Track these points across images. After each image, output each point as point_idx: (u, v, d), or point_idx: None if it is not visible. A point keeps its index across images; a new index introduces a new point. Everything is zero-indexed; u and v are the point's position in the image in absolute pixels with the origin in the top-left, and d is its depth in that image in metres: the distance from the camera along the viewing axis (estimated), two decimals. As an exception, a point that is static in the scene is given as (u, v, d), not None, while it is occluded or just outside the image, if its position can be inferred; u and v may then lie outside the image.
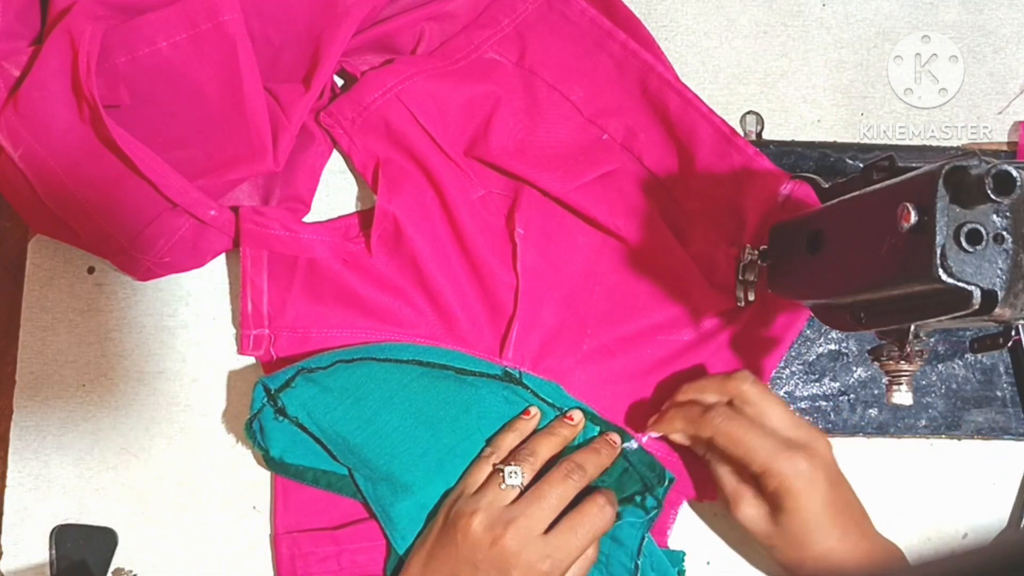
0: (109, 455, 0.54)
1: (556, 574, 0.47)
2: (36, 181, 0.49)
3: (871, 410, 0.57)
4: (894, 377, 0.45)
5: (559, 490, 0.49)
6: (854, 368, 0.57)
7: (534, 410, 0.53)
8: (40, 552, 0.53)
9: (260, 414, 0.50)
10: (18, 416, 0.54)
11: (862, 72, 0.60)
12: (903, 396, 0.45)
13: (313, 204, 0.56)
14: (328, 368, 0.51)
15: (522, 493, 0.49)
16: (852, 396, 0.57)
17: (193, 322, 0.56)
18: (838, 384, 0.57)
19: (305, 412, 0.50)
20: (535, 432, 0.53)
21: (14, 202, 0.51)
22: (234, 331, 0.56)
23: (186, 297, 0.56)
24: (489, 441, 0.52)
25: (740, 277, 0.53)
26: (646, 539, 0.51)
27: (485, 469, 0.51)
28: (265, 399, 0.50)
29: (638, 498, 0.51)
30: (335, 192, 0.57)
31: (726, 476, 0.51)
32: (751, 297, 0.53)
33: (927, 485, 0.56)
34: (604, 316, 0.56)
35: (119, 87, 0.49)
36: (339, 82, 0.58)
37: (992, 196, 0.35)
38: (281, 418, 0.50)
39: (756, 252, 0.52)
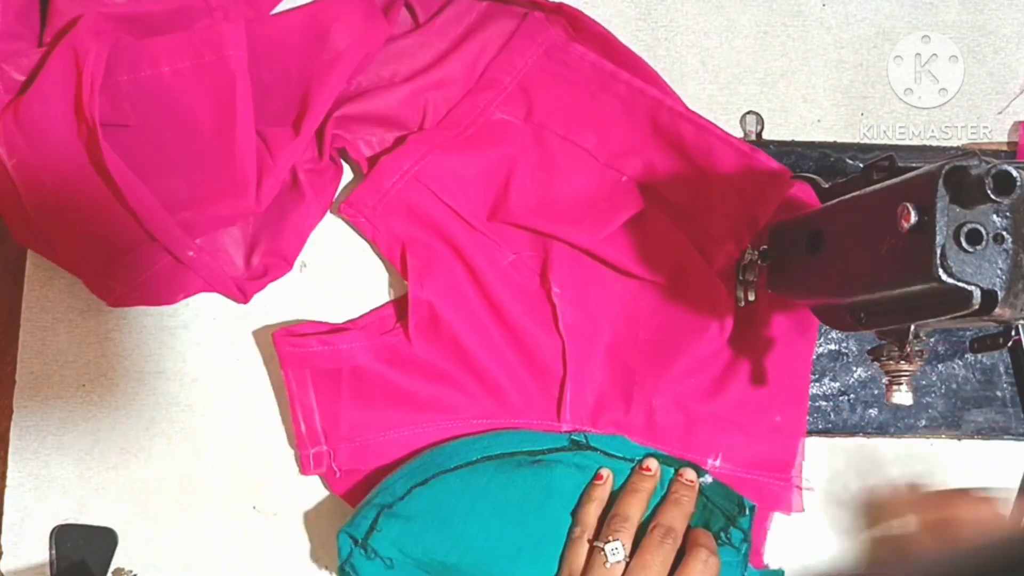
0: (109, 455, 0.54)
1: None
2: (24, 191, 0.49)
3: (871, 410, 0.57)
4: (894, 377, 0.45)
5: (660, 556, 0.49)
6: (854, 368, 0.57)
7: (605, 472, 0.53)
8: (40, 552, 0.53)
9: (351, 558, 0.49)
10: (18, 416, 0.54)
11: (862, 72, 0.60)
12: (903, 396, 0.45)
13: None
14: (405, 497, 0.50)
15: (627, 566, 0.49)
16: (852, 396, 0.57)
17: (193, 322, 0.56)
18: (838, 384, 0.57)
19: (396, 549, 0.49)
20: (614, 492, 0.53)
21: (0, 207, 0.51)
22: (234, 332, 0.56)
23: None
24: (574, 517, 0.52)
25: (740, 277, 0.53)
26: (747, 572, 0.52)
27: (581, 549, 0.50)
28: (353, 546, 0.49)
29: (723, 534, 0.51)
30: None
31: None
32: (751, 297, 0.53)
33: (927, 485, 0.56)
34: (651, 358, 0.55)
35: (124, 105, 0.50)
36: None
37: (992, 196, 0.35)
38: (373, 556, 0.50)
39: (756, 252, 0.52)
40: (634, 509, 0.51)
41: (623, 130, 0.56)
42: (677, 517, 0.51)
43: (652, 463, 0.53)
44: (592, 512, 0.52)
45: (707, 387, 0.56)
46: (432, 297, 0.53)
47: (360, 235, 0.57)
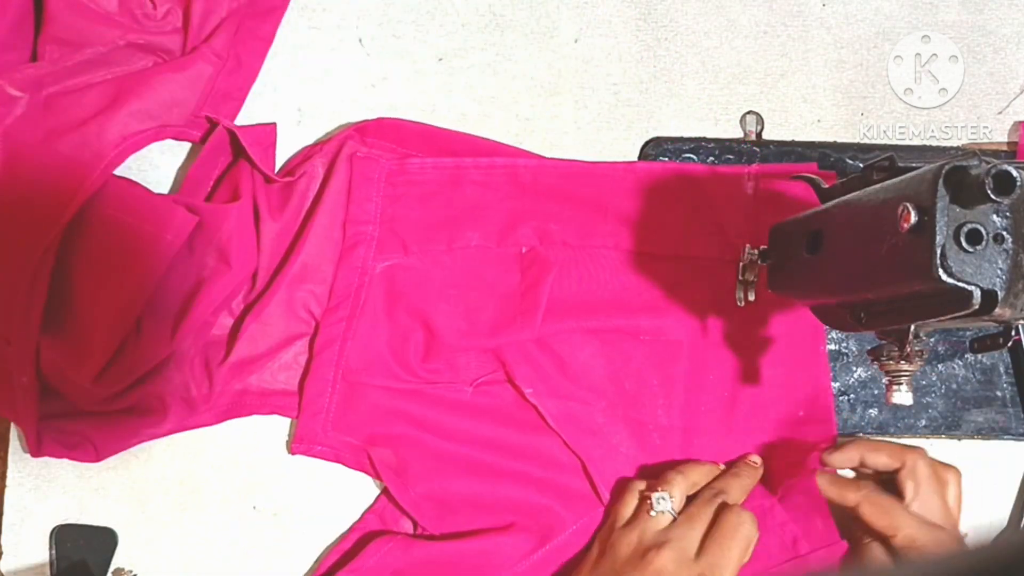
0: (109, 455, 0.54)
1: None
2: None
3: (871, 410, 0.57)
4: (894, 377, 0.45)
5: (707, 510, 0.49)
6: (854, 368, 0.57)
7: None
8: (40, 552, 0.53)
9: None
10: (18, 416, 0.54)
11: (862, 72, 0.60)
12: (903, 396, 0.45)
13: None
14: None
15: (674, 519, 0.49)
16: (852, 396, 0.57)
17: (193, 322, 0.56)
18: (838, 384, 0.57)
19: None
20: None
21: None
22: (234, 331, 0.56)
23: (186, 297, 0.56)
24: (617, 483, 0.53)
25: (740, 277, 0.53)
26: None
27: (630, 498, 0.51)
28: None
29: None
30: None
31: (873, 549, 0.51)
32: (751, 297, 0.53)
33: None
34: (649, 400, 0.55)
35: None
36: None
37: (992, 196, 0.35)
38: None
39: (756, 252, 0.52)
40: (695, 472, 0.52)
41: (494, 210, 0.56)
42: (733, 484, 0.51)
43: (720, 465, 0.54)
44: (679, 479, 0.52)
45: (722, 402, 0.55)
46: (421, 489, 0.52)
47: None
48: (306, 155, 0.57)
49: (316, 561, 0.54)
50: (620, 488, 0.52)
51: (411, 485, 0.52)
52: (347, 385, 0.54)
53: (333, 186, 0.55)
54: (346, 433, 0.54)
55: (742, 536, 0.48)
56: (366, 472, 0.54)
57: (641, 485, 0.51)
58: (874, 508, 0.50)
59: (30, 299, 0.49)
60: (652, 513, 0.49)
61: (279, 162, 0.57)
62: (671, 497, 0.50)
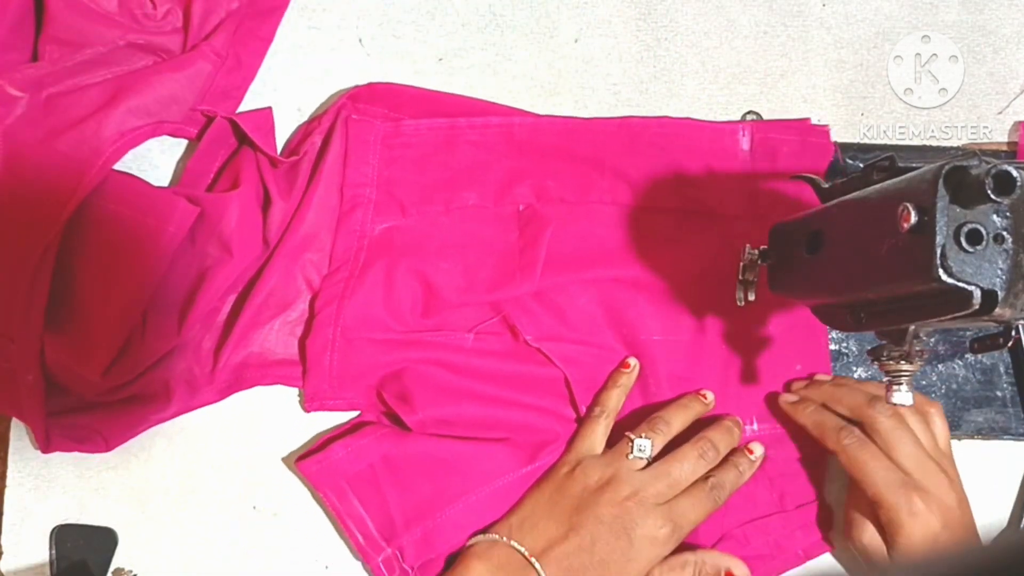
0: (109, 455, 0.54)
1: (675, 538, 0.49)
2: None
3: (871, 410, 0.57)
4: (894, 377, 0.45)
5: (689, 468, 0.50)
6: (854, 368, 0.57)
7: (632, 361, 0.54)
8: (40, 552, 0.53)
9: None
10: (18, 416, 0.55)
11: (862, 72, 0.60)
12: (903, 396, 0.45)
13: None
14: None
15: (649, 463, 0.51)
16: (852, 396, 0.57)
17: (193, 322, 0.56)
18: (838, 384, 0.57)
19: None
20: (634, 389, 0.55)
21: None
22: (234, 331, 0.56)
23: (186, 297, 0.56)
24: (596, 398, 0.54)
25: (740, 277, 0.53)
26: None
27: (596, 427, 0.52)
28: None
29: None
30: None
31: (847, 498, 0.51)
32: (751, 297, 0.53)
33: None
34: (651, 346, 0.55)
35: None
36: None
37: (992, 196, 0.35)
38: None
39: (756, 252, 0.52)
40: (677, 421, 0.52)
41: (491, 169, 0.56)
42: (723, 439, 0.52)
43: (710, 393, 0.54)
44: (614, 397, 0.53)
45: (721, 355, 0.56)
46: (426, 413, 0.52)
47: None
48: (305, 132, 0.57)
49: (316, 562, 0.54)
50: (590, 416, 0.53)
51: (417, 409, 0.52)
52: (347, 342, 0.54)
53: (331, 154, 0.55)
54: (352, 384, 0.54)
55: (709, 507, 0.50)
56: (379, 413, 0.54)
57: (605, 418, 0.52)
58: (850, 462, 0.50)
59: (32, 297, 0.49)
60: (630, 456, 0.51)
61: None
62: (652, 445, 0.51)
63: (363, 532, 0.52)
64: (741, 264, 0.53)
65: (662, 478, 0.50)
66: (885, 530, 0.50)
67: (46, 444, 0.52)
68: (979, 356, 0.57)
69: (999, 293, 0.36)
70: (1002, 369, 0.57)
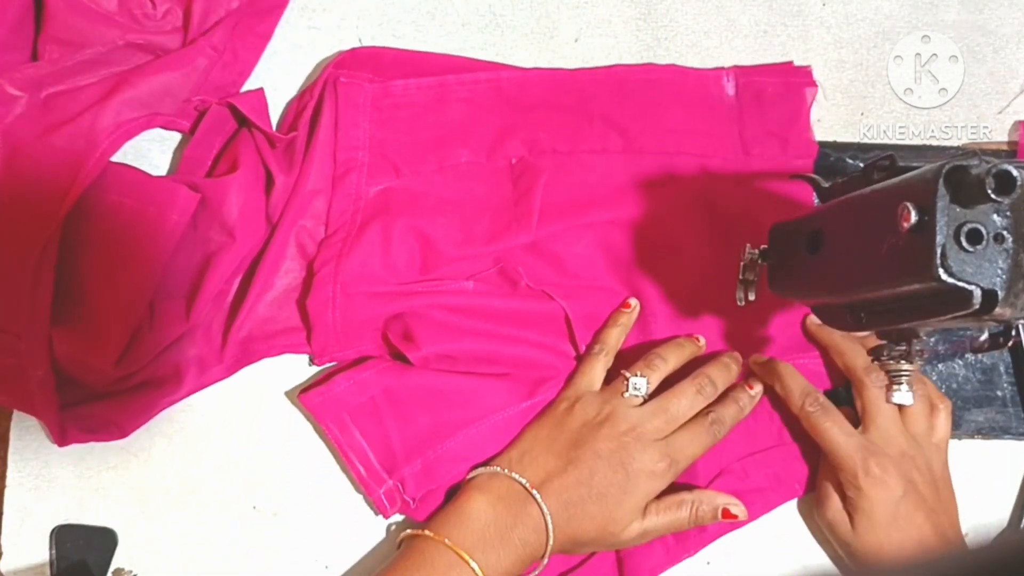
0: (109, 455, 0.54)
1: (672, 472, 0.50)
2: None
3: (871, 410, 0.57)
4: (894, 377, 0.45)
5: (687, 404, 0.51)
6: (854, 368, 0.57)
7: (633, 302, 0.55)
8: (40, 552, 0.53)
9: None
10: (18, 416, 0.54)
11: (862, 72, 0.60)
12: (903, 396, 0.45)
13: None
14: None
15: (646, 400, 0.51)
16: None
17: (193, 322, 0.56)
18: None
19: None
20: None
21: None
22: (234, 331, 0.56)
23: (186, 297, 0.56)
24: (596, 336, 0.54)
25: (740, 277, 0.53)
26: None
27: (595, 364, 0.53)
28: None
29: None
30: None
31: (820, 471, 0.53)
32: (751, 297, 0.53)
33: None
34: (649, 285, 0.56)
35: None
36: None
37: (992, 196, 0.35)
38: None
39: (756, 252, 0.52)
40: (673, 357, 0.53)
41: (482, 125, 0.57)
42: (721, 376, 0.53)
43: (702, 337, 0.55)
44: (614, 335, 0.54)
45: (720, 293, 0.56)
46: (429, 349, 0.53)
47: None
48: (297, 108, 0.57)
49: (316, 562, 0.54)
50: (590, 354, 0.54)
51: (420, 346, 0.53)
52: (347, 297, 0.54)
53: (323, 121, 0.56)
54: (358, 334, 0.54)
55: (707, 442, 0.51)
56: (385, 354, 0.54)
57: (604, 355, 0.53)
58: (811, 429, 0.52)
59: (36, 293, 0.49)
60: (626, 394, 0.51)
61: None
62: (648, 383, 0.51)
63: (365, 464, 0.53)
64: (741, 264, 0.53)
65: (660, 414, 0.51)
66: (847, 499, 0.51)
67: (62, 438, 0.52)
68: (979, 356, 0.57)
69: (999, 293, 0.36)
70: (1002, 369, 0.57)
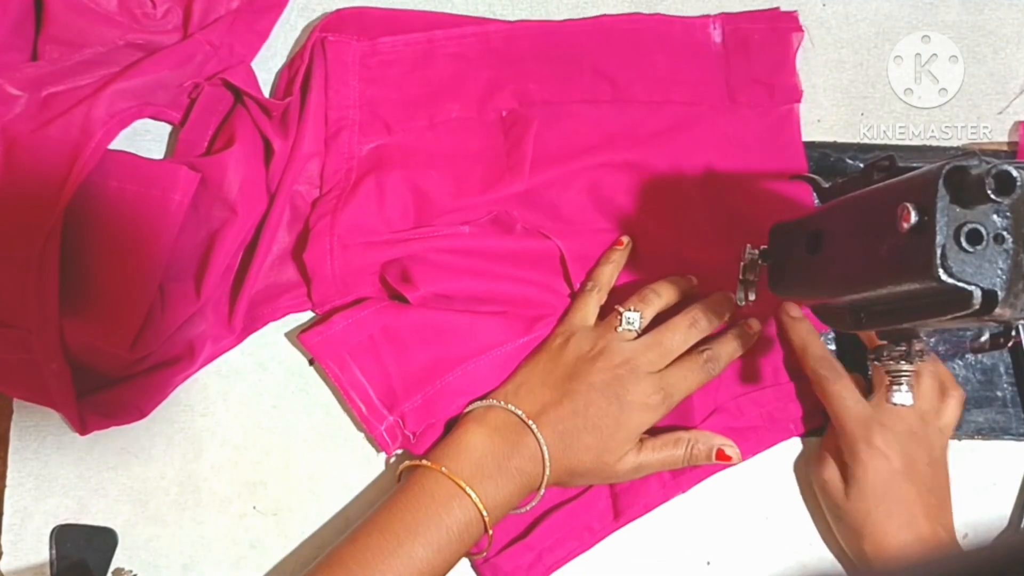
0: (109, 455, 0.54)
1: (666, 406, 0.51)
2: None
3: (871, 410, 0.57)
4: (894, 377, 0.45)
5: (680, 338, 0.52)
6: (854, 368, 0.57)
7: (626, 239, 0.56)
8: (40, 552, 0.53)
9: None
10: (18, 416, 0.54)
11: (862, 72, 0.60)
12: (903, 396, 0.45)
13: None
14: None
15: (640, 335, 0.52)
16: (852, 396, 0.57)
17: (193, 322, 0.56)
18: (838, 384, 0.57)
19: None
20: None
21: None
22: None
23: (186, 297, 0.56)
24: (589, 274, 0.55)
25: (740, 277, 0.53)
26: None
27: (588, 301, 0.54)
28: None
29: None
30: None
31: (823, 438, 0.53)
32: (752, 297, 0.53)
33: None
34: (645, 228, 0.57)
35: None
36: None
37: (992, 196, 0.35)
38: None
39: (756, 252, 0.52)
40: (669, 292, 0.54)
41: (471, 78, 0.57)
42: (711, 312, 0.53)
43: (695, 278, 0.55)
44: (607, 272, 0.55)
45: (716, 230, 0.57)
46: (427, 288, 0.54)
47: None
48: (288, 75, 0.57)
49: (316, 562, 0.54)
50: (583, 291, 0.54)
51: (418, 286, 0.53)
52: (343, 248, 0.54)
53: (314, 83, 0.56)
54: (357, 281, 0.55)
55: (702, 378, 0.52)
56: (383, 296, 0.55)
57: (597, 292, 0.54)
58: (821, 392, 0.52)
59: (42, 286, 0.49)
60: (619, 329, 0.52)
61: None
62: (641, 317, 0.52)
63: (365, 401, 0.53)
64: (741, 264, 0.53)
65: (653, 347, 0.51)
66: (844, 465, 0.51)
67: (83, 427, 0.52)
68: (979, 356, 0.57)
69: (999, 293, 0.36)
70: (1002, 369, 0.57)
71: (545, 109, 0.57)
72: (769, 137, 0.58)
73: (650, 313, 0.53)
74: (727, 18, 0.59)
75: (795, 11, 0.59)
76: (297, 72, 0.57)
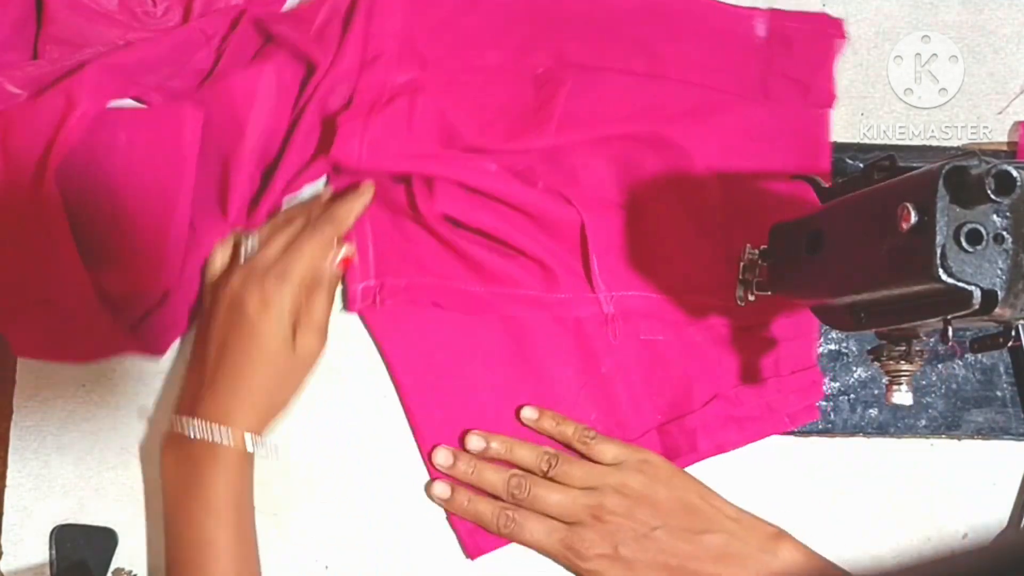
0: (109, 455, 0.54)
1: (287, 284, 0.49)
2: None
3: (871, 410, 0.57)
4: (894, 377, 0.45)
5: (283, 237, 0.52)
6: (854, 368, 0.57)
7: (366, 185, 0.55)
8: (40, 552, 0.53)
9: None
10: (18, 416, 0.54)
11: (862, 72, 0.60)
12: (903, 396, 0.45)
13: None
14: None
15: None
16: (852, 396, 0.57)
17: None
18: (838, 384, 0.57)
19: None
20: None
21: None
22: (234, 331, 0.56)
23: (186, 297, 0.56)
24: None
25: (740, 277, 0.53)
26: None
27: (225, 250, 0.53)
28: None
29: None
30: None
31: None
32: (751, 297, 0.53)
33: (927, 485, 0.56)
34: (656, 205, 0.57)
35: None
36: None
37: (992, 196, 0.35)
38: None
39: (756, 252, 0.52)
40: (282, 218, 0.54)
41: (514, 30, 0.57)
42: (312, 204, 0.54)
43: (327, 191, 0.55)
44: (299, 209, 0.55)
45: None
46: (443, 206, 0.54)
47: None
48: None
49: (316, 562, 0.54)
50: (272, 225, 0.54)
51: (436, 202, 0.54)
52: (372, 149, 0.54)
53: (360, 7, 0.56)
54: (380, 158, 0.54)
55: (316, 236, 0.51)
56: (397, 181, 0.55)
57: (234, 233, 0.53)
58: (518, 541, 0.53)
59: (60, 254, 0.49)
60: (247, 252, 0.52)
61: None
62: (256, 237, 0.52)
63: (362, 253, 0.55)
64: (741, 264, 0.53)
65: (271, 246, 0.51)
66: None
67: (158, 349, 0.54)
68: (979, 356, 0.57)
69: (999, 293, 0.36)
70: (1002, 369, 0.57)
71: (580, 72, 0.57)
72: (797, 136, 0.58)
73: (267, 231, 0.53)
74: (774, 14, 0.59)
75: (841, 19, 0.59)
76: None
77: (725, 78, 0.58)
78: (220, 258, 0.53)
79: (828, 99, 0.58)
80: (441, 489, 0.54)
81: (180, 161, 0.51)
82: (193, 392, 0.51)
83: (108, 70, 0.51)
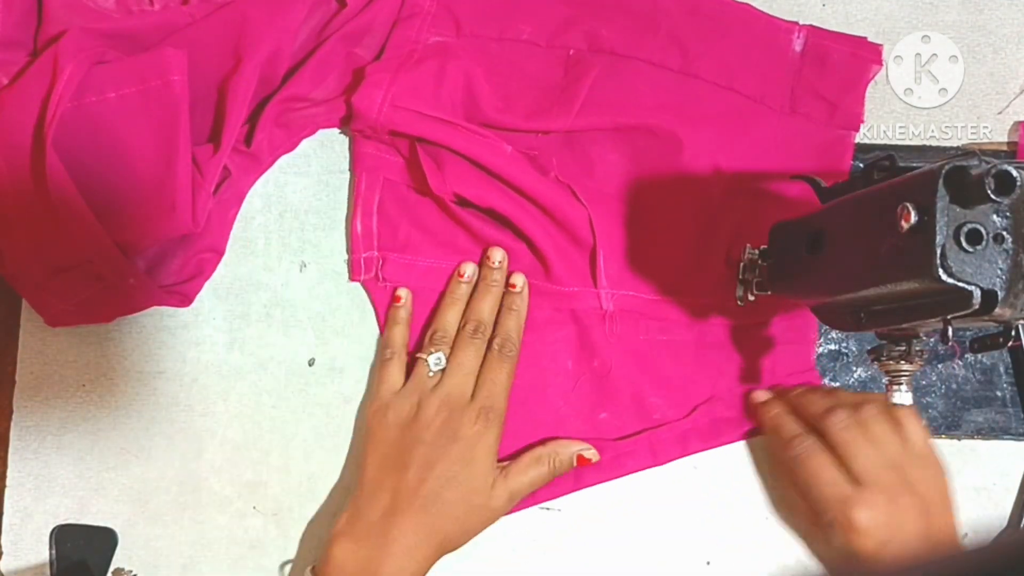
0: (109, 455, 0.54)
1: (495, 418, 0.51)
2: None
3: (871, 410, 0.57)
4: (894, 377, 0.45)
5: (472, 351, 0.52)
6: (854, 368, 0.57)
7: (403, 293, 0.55)
8: (40, 552, 0.53)
9: None
10: (18, 416, 0.55)
11: (862, 72, 0.60)
12: (903, 396, 0.45)
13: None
14: None
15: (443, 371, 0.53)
16: (852, 396, 0.57)
17: (193, 322, 0.56)
18: (838, 384, 0.57)
19: None
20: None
21: None
22: (234, 332, 0.56)
23: (186, 297, 0.56)
24: (381, 342, 0.56)
25: (740, 277, 0.53)
26: None
27: (393, 369, 0.53)
28: None
29: None
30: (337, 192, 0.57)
31: (809, 504, 0.52)
32: (751, 297, 0.53)
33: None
34: (664, 205, 0.57)
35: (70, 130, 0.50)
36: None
37: (992, 196, 0.35)
38: None
39: (756, 252, 0.52)
40: (451, 316, 0.54)
41: (551, 8, 0.58)
42: (484, 306, 0.54)
43: (469, 268, 0.55)
44: (398, 335, 0.55)
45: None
46: (453, 185, 0.54)
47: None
48: None
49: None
50: (382, 361, 0.54)
51: (447, 180, 0.54)
52: (394, 106, 0.54)
53: None
54: (399, 116, 0.54)
55: (507, 369, 0.52)
56: (409, 156, 0.56)
57: (396, 358, 0.54)
58: (795, 474, 0.51)
59: (73, 215, 0.49)
60: (430, 375, 0.52)
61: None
62: (444, 355, 0.53)
63: (365, 224, 0.55)
64: (741, 264, 0.53)
65: (455, 374, 0.52)
66: (832, 542, 0.50)
67: (185, 300, 0.55)
68: (979, 356, 0.57)
69: (999, 293, 0.36)
70: (1002, 369, 0.57)
71: (611, 59, 0.57)
72: (818, 154, 0.57)
73: (446, 347, 0.53)
74: (813, 31, 0.58)
75: (881, 44, 0.58)
76: None
77: (755, 85, 0.57)
78: (394, 379, 0.53)
79: (855, 122, 0.58)
80: (761, 393, 0.55)
81: (174, 105, 0.51)
82: (390, 488, 0.50)
83: (88, 34, 0.51)
